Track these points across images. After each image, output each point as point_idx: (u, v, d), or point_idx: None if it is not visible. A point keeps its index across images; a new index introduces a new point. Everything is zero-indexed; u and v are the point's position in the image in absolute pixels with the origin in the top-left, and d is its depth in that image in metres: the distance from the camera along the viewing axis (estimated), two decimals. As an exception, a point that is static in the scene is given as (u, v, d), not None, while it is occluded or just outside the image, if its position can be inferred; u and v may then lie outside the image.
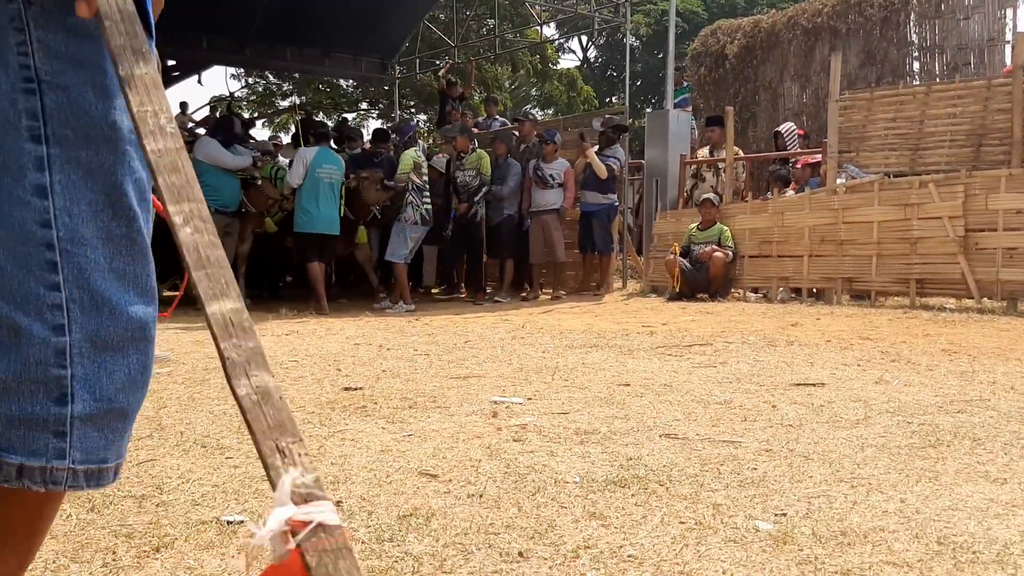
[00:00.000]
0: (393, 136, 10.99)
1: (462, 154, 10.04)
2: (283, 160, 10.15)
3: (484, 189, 10.11)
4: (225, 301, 0.85)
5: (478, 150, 10.19)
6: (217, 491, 2.40)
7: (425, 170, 9.55)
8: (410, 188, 9.31)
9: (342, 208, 9.31)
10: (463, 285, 11.07)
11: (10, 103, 1.01)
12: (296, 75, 20.68)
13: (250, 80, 23.72)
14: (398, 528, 2.07)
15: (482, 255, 10.49)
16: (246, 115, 20.40)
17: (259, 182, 9.38)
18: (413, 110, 23.42)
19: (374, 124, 25.40)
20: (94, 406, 1.07)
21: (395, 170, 9.44)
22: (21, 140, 1.02)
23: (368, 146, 10.90)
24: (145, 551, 1.94)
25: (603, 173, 9.90)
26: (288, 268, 11.39)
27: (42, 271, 1.03)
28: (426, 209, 9.44)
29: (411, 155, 9.45)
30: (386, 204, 9.59)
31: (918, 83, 11.08)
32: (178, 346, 5.73)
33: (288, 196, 9.16)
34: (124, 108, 1.10)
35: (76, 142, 1.04)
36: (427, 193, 9.49)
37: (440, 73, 14.29)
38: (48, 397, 1.04)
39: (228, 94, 22.25)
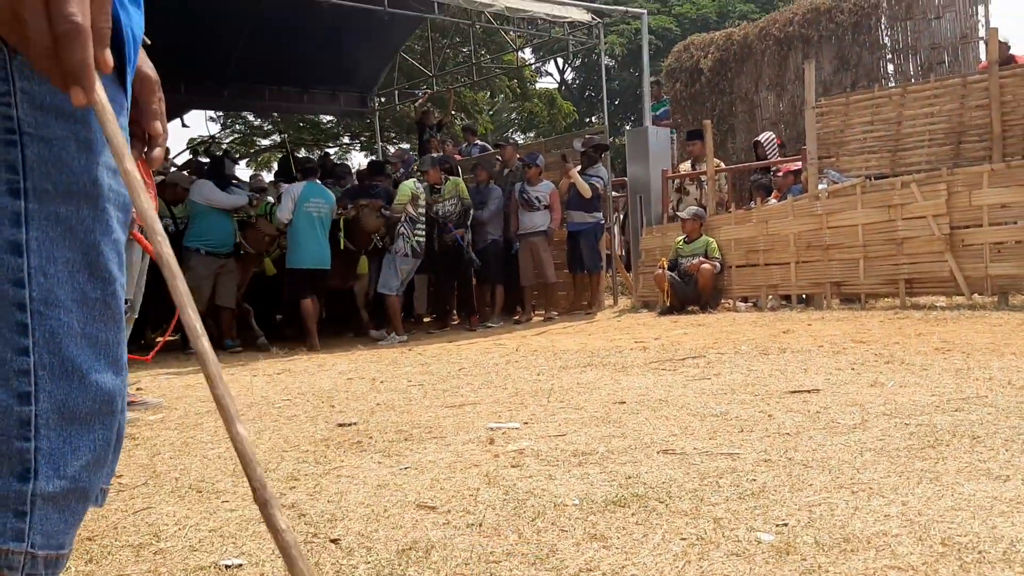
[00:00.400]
0: (389, 168, 10.94)
1: (436, 186, 9.91)
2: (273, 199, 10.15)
3: (469, 213, 10.04)
4: (241, 426, 0.86)
5: (452, 178, 10.05)
6: (214, 535, 2.37)
7: (422, 201, 9.53)
8: (403, 219, 9.27)
9: (342, 241, 9.26)
10: (456, 312, 11.01)
11: None
12: (275, 114, 20.73)
13: (230, 121, 23.77)
14: (398, 563, 2.04)
15: (472, 280, 10.45)
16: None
17: (254, 220, 9.35)
18: (395, 140, 23.50)
19: (357, 157, 25.47)
20: (58, 484, 0.99)
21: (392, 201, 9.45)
22: None
23: (358, 180, 10.88)
24: (142, 602, 1.91)
25: (587, 193, 9.94)
26: (277, 307, 11.34)
27: (11, 333, 0.97)
28: (417, 241, 9.37)
29: (409, 186, 9.42)
30: (385, 235, 9.55)
31: (893, 85, 11.16)
32: (170, 391, 5.69)
33: (284, 232, 9.13)
34: (107, 165, 1.07)
35: (56, 197, 0.99)
36: (420, 225, 9.44)
37: (417, 104, 14.36)
38: (9, 471, 0.96)
39: (209, 136, 22.30)
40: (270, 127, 23.87)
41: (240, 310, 9.48)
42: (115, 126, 0.93)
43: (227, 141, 24.34)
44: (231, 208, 9.07)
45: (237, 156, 22.09)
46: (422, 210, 9.49)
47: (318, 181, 9.39)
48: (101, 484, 1.07)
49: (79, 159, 1.00)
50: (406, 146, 11.68)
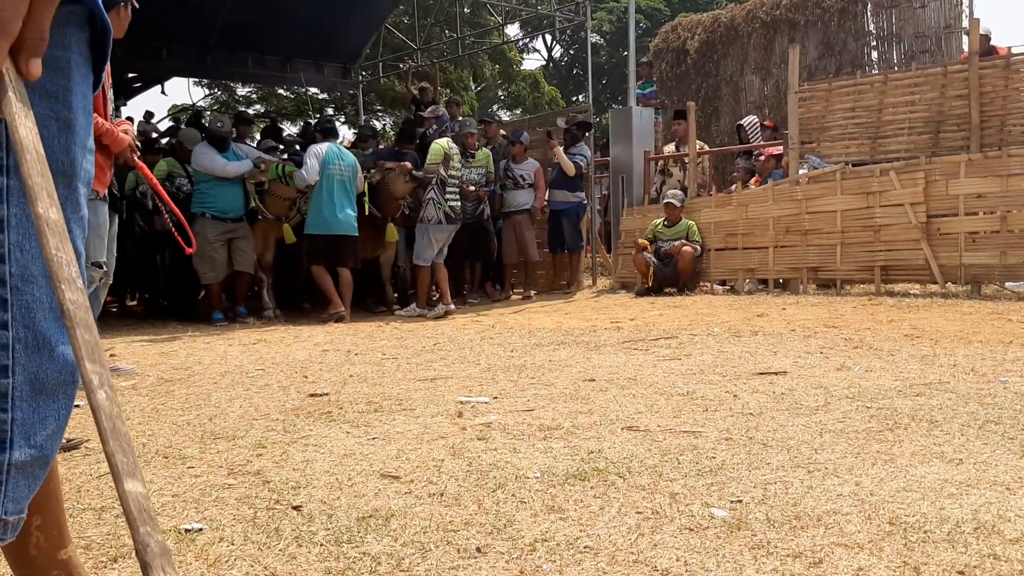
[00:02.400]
0: (421, 130, 10.21)
1: (471, 151, 9.47)
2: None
3: (491, 188, 9.89)
4: (134, 482, 0.85)
5: (484, 148, 9.81)
6: (177, 500, 2.39)
7: (456, 163, 8.91)
8: (434, 184, 8.72)
9: (367, 206, 8.82)
10: (473, 285, 10.52)
11: None
12: (259, 84, 20.58)
13: (215, 89, 23.57)
14: (357, 529, 2.07)
15: (492, 255, 10.23)
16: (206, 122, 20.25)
17: (267, 186, 8.85)
18: (380, 114, 23.38)
19: (340, 130, 25.27)
20: (28, 453, 1.02)
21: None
22: None
23: (383, 146, 10.33)
24: (102, 562, 1.93)
25: (571, 171, 9.93)
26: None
27: None
28: (451, 206, 8.82)
29: (443, 144, 8.85)
30: (410, 205, 9.13)
31: (876, 72, 11.19)
32: (144, 358, 5.69)
33: (303, 195, 8.72)
34: (83, 146, 1.08)
35: None
36: (452, 189, 8.86)
37: (405, 69, 14.20)
38: None
39: (191, 103, 22.10)
40: (253, 96, 23.69)
41: (255, 279, 9.15)
42: (27, 153, 0.91)
43: (209, 110, 24.17)
44: (233, 176, 8.60)
45: (252, 114, 21.93)
46: (455, 172, 8.93)
47: (339, 143, 8.93)
48: (53, 457, 1.09)
49: (59, 139, 1.01)
50: (441, 108, 11.10)
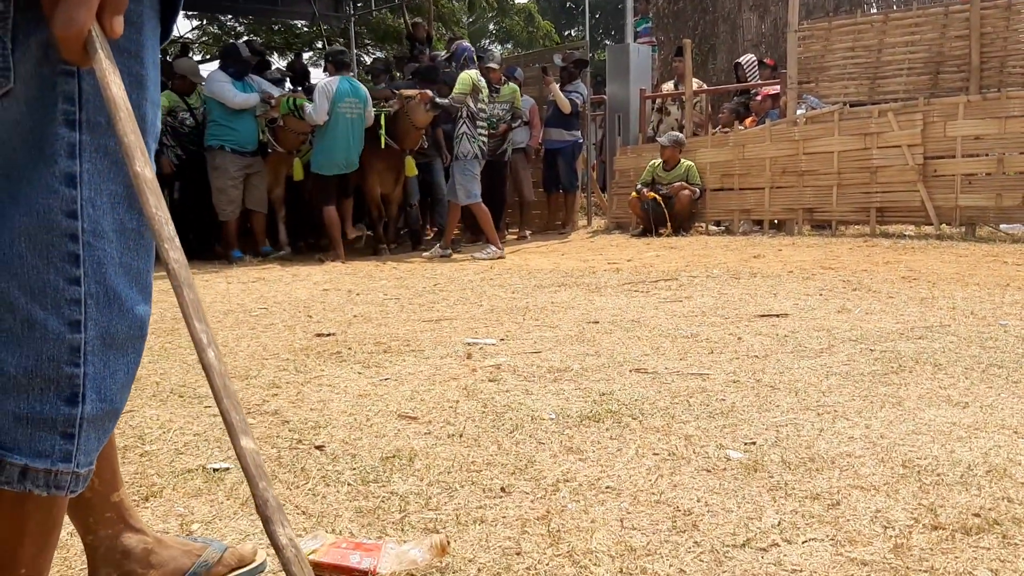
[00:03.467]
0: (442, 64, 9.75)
1: (496, 86, 9.17)
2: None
3: (516, 124, 9.65)
4: (247, 439, 0.86)
5: (510, 83, 9.55)
6: (199, 440, 2.43)
7: (483, 96, 8.46)
8: (464, 117, 8.28)
9: (383, 138, 8.49)
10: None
11: (50, 86, 0.98)
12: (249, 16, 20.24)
13: (203, 21, 23.18)
14: (382, 469, 2.12)
15: (505, 195, 10.04)
16: (197, 57, 19.97)
17: (280, 121, 8.53)
18: (371, 49, 23.05)
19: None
20: (99, 407, 1.04)
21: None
22: (56, 125, 0.98)
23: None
24: (134, 500, 1.97)
25: (567, 108, 9.86)
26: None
27: (63, 263, 0.99)
28: (482, 141, 8.42)
29: (472, 75, 8.30)
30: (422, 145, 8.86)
31: (876, 12, 11.09)
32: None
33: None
34: (153, 102, 1.09)
35: (107, 130, 1.00)
36: (481, 124, 8.41)
37: (399, 3, 13.93)
38: (59, 396, 1.00)
39: (179, 35, 21.73)
40: (242, 29, 23.32)
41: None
42: (120, 111, 0.91)
43: (198, 43, 23.78)
44: (241, 107, 8.28)
45: (207, 58, 21.61)
46: (482, 107, 8.47)
47: (352, 76, 8.57)
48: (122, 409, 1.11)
49: (131, 95, 1.00)
50: (465, 42, 10.72)
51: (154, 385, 3.14)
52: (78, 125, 0.99)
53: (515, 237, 10.26)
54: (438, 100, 8.28)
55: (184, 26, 22.83)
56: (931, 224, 8.02)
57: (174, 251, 0.88)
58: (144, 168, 0.90)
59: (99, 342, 1.03)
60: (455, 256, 8.42)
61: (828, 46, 8.98)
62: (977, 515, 1.76)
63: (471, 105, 8.24)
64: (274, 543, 0.83)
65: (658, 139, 9.73)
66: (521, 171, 10.13)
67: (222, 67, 8.60)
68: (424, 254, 8.63)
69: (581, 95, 10.11)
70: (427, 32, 12.28)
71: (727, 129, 9.76)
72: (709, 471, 2.06)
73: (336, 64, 8.48)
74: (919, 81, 8.45)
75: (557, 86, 9.91)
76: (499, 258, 8.14)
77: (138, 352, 1.10)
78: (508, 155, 9.73)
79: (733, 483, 1.98)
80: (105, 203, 1.02)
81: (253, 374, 3.28)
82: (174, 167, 8.62)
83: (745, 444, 2.26)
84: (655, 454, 2.20)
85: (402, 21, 13.21)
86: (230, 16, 21.53)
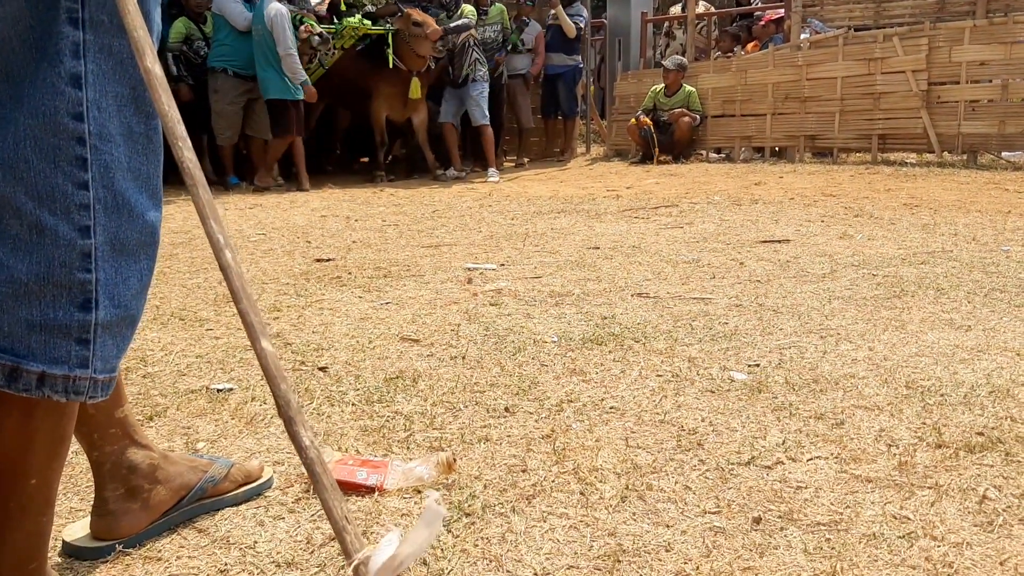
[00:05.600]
0: None
1: (483, 8, 9.20)
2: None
3: (508, 43, 9.53)
4: (266, 341, 0.83)
5: (498, 3, 9.44)
6: (201, 361, 2.42)
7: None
8: (472, 45, 8.48)
9: (391, 58, 8.27)
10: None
11: None
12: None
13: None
14: (386, 390, 2.11)
15: (502, 119, 9.85)
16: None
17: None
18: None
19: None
20: (113, 313, 1.02)
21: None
22: (59, 23, 0.94)
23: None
24: (139, 420, 1.97)
25: (571, 32, 9.68)
26: (335, 143, 10.51)
27: (71, 167, 0.96)
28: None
29: (471, 6, 8.71)
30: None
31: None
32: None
33: (320, 48, 8.06)
34: (156, 0, 1.05)
35: (110, 29, 0.97)
36: (480, 48, 8.76)
37: None
38: (72, 302, 0.99)
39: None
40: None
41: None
42: (128, 4, 0.88)
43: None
44: (246, 29, 7.83)
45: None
46: (484, 29, 8.87)
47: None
48: (141, 315, 1.10)
49: None
50: None
51: (154, 308, 3.13)
52: (81, 24, 0.95)
53: (512, 164, 10.16)
54: (449, 34, 8.18)
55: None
56: (933, 152, 7.96)
57: (187, 150, 0.86)
58: (154, 64, 0.87)
59: (109, 248, 1.01)
60: (452, 184, 8.35)
61: (833, -32, 8.81)
62: (980, 434, 1.77)
63: (475, 33, 8.34)
64: (296, 443, 0.83)
65: (663, 63, 9.59)
66: (520, 97, 9.98)
67: None
68: (441, 174, 8.71)
69: (583, 18, 9.92)
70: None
71: (730, 54, 9.61)
72: (713, 392, 2.06)
73: None
74: (925, 5, 8.32)
75: (562, 7, 9.72)
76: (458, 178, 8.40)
77: (151, 258, 1.08)
78: (504, 78, 9.59)
79: (737, 403, 1.98)
80: (111, 105, 0.99)
81: (254, 298, 3.26)
82: (192, 96, 8.41)
83: (749, 366, 2.26)
84: (659, 376, 2.20)
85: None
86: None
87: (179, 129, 0.86)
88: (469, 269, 3.75)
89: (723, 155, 9.45)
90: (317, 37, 7.99)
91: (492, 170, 8.68)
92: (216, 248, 0.85)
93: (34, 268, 0.96)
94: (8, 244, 0.95)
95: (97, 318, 1.00)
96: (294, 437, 0.83)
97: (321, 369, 2.30)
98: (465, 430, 1.85)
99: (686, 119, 9.10)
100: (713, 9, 10.86)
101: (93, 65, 0.97)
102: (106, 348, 1.02)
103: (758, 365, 2.26)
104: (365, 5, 9.92)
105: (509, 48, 9.56)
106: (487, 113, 8.64)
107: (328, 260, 4.09)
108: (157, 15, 1.06)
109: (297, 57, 7.59)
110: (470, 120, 9.00)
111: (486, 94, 8.68)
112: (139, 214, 1.03)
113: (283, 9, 7.55)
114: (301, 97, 7.79)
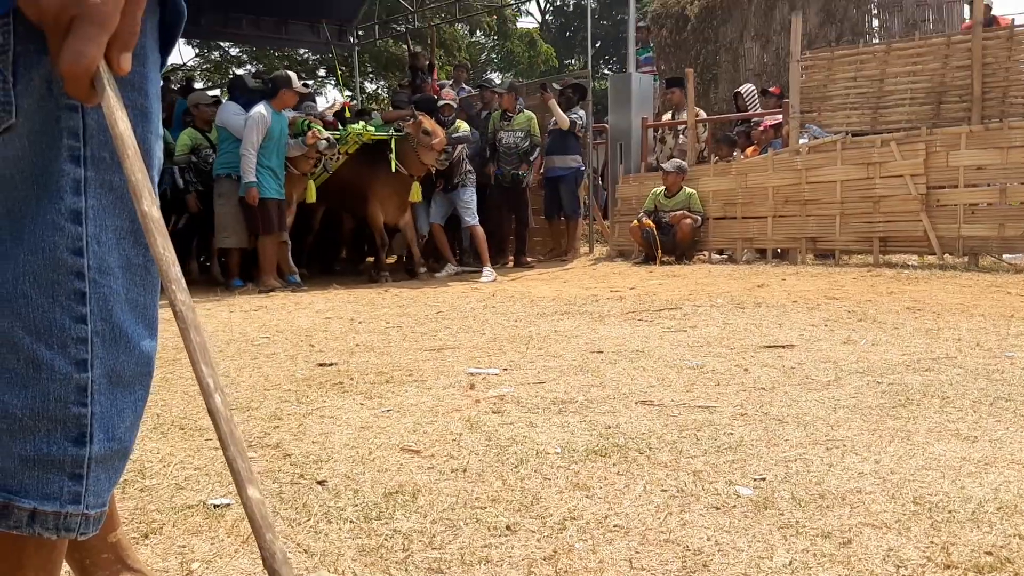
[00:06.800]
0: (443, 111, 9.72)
1: (508, 114, 9.70)
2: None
3: (536, 151, 9.90)
4: (254, 488, 0.84)
5: (526, 111, 9.85)
6: (200, 474, 2.39)
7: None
8: (465, 155, 9.11)
9: (393, 163, 8.53)
10: (512, 254, 10.33)
11: (54, 121, 0.96)
12: (252, 47, 20.39)
13: (205, 50, 23.35)
14: (385, 506, 2.08)
15: (527, 219, 10.22)
16: (199, 85, 20.06)
17: (292, 142, 8.39)
18: (372, 77, 23.19)
19: (332, 92, 25.13)
20: (107, 447, 1.01)
21: None
22: (60, 161, 0.96)
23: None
24: (133, 537, 1.93)
25: (565, 123, 9.87)
26: (341, 244, 10.76)
27: (69, 301, 0.97)
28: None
29: (464, 124, 9.40)
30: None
31: (878, 42, 11.14)
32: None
33: (327, 152, 8.37)
34: (156, 133, 1.07)
35: (111, 165, 0.99)
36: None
37: (403, 33, 14.01)
38: (66, 437, 0.98)
39: (182, 63, 21.88)
40: (244, 57, 23.47)
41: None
42: (128, 149, 0.89)
43: (199, 70, 23.94)
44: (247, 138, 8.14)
45: (210, 85, 21.69)
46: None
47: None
48: (132, 447, 1.09)
49: (136, 128, 0.98)
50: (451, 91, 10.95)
51: (155, 417, 3.11)
52: (83, 161, 0.97)
53: (510, 264, 10.19)
54: (449, 144, 8.64)
55: (186, 54, 22.99)
56: (934, 254, 8.01)
57: (181, 292, 0.86)
58: (151, 208, 0.88)
59: (106, 380, 1.00)
60: (455, 283, 8.40)
61: (831, 75, 9.01)
62: (989, 553, 1.73)
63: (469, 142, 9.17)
64: None
65: (662, 166, 9.73)
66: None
67: (231, 98, 8.80)
68: (437, 275, 9.09)
69: (581, 117, 10.12)
70: (428, 60, 12.33)
71: (729, 159, 9.77)
72: (718, 508, 2.03)
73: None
74: (921, 111, 8.47)
75: (555, 102, 9.95)
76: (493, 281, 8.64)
77: (145, 388, 1.07)
78: (527, 180, 9.98)
79: (743, 521, 1.95)
80: (111, 239, 1.00)
81: (255, 406, 3.25)
82: (199, 206, 8.73)
83: (754, 480, 2.23)
84: (663, 491, 2.16)
85: (405, 49, 13.31)
86: (230, 43, 21.68)
87: (172, 272, 0.87)
88: (472, 374, 3.74)
89: (726, 256, 9.52)
90: (324, 142, 8.22)
91: (487, 269, 8.97)
92: (206, 392, 0.85)
93: (29, 403, 0.95)
94: (4, 378, 0.95)
95: (91, 452, 0.99)
96: None
97: (320, 483, 2.27)
98: (465, 550, 1.81)
99: (688, 221, 9.19)
100: (704, 115, 11.07)
101: (94, 200, 0.98)
102: (99, 482, 1.01)
103: (764, 479, 2.23)
104: (371, 113, 10.22)
105: (535, 155, 9.92)
106: (476, 214, 9.25)
107: (331, 365, 4.08)
108: (159, 149, 1.08)
109: (250, 158, 7.92)
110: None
111: (475, 198, 9.28)
112: (135, 344, 1.03)
113: (262, 113, 7.97)
114: (271, 196, 8.08)
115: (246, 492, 0.82)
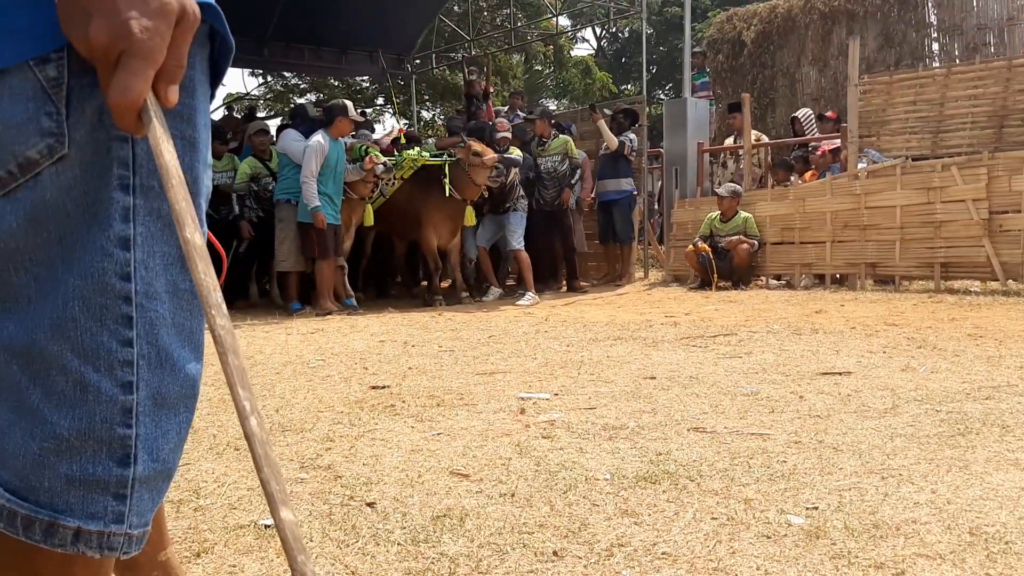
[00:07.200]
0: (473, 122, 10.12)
1: (543, 139, 9.85)
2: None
3: (578, 173, 9.99)
4: (287, 510, 0.85)
5: (561, 135, 9.93)
6: (253, 494, 2.43)
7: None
8: (519, 179, 9.23)
9: (447, 187, 8.67)
10: (564, 279, 10.37)
11: (105, 151, 0.98)
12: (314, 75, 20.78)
13: (268, 79, 23.84)
14: (432, 529, 2.09)
15: (573, 244, 10.24)
16: (262, 113, 20.49)
17: (351, 167, 8.55)
18: (429, 104, 23.44)
19: (390, 120, 25.46)
20: (151, 468, 1.03)
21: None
22: (111, 189, 0.98)
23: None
24: (185, 556, 1.97)
25: (613, 143, 9.90)
26: (395, 268, 10.91)
27: (117, 325, 0.99)
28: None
29: (516, 149, 9.45)
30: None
31: (938, 65, 10.99)
32: (206, 347, 5.77)
33: (383, 176, 8.61)
34: (205, 163, 1.09)
35: (159, 194, 1.01)
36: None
37: (460, 61, 14.18)
38: (111, 457, 1.00)
39: (245, 92, 22.35)
40: (305, 86, 23.91)
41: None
42: (172, 178, 0.92)
43: (262, 99, 24.43)
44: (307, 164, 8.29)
45: (272, 114, 22.13)
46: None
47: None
48: (176, 468, 1.11)
49: (184, 157, 1.01)
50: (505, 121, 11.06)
51: (211, 438, 3.17)
52: (132, 189, 0.99)
53: (563, 288, 10.20)
54: (499, 165, 8.65)
55: (250, 83, 23.51)
56: (997, 280, 7.83)
57: (220, 317, 0.89)
58: (194, 235, 0.91)
59: (151, 402, 1.02)
60: (509, 307, 8.42)
61: (889, 100, 8.90)
62: (1053, 590, 1.68)
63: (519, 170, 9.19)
64: None
65: (717, 191, 9.68)
66: (574, 223, 10.20)
67: (292, 125, 8.96)
68: (484, 299, 9.20)
69: (632, 141, 10.11)
70: (484, 88, 12.44)
71: (786, 183, 9.68)
72: (769, 537, 2.00)
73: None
74: (983, 135, 8.32)
75: (604, 122, 9.98)
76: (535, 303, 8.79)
77: (190, 411, 1.10)
78: (571, 205, 10.03)
79: (794, 550, 1.92)
80: (158, 264, 1.03)
81: (308, 427, 3.29)
82: (252, 233, 8.98)
83: (807, 509, 2.19)
84: (713, 518, 2.14)
85: (461, 77, 13.48)
86: (293, 73, 22.09)
87: (213, 298, 0.89)
88: (522, 399, 3.74)
89: (783, 282, 9.41)
90: (381, 166, 8.36)
91: (529, 294, 9.09)
92: (242, 415, 0.86)
93: (76, 424, 0.98)
94: (53, 400, 0.97)
95: (135, 473, 1.01)
96: None
97: (369, 505, 2.29)
98: (511, 575, 1.81)
99: (744, 246, 9.11)
100: (766, 139, 10.99)
101: (142, 228, 1.00)
102: (142, 503, 1.03)
103: (816, 508, 2.20)
104: (425, 140, 10.41)
105: (576, 178, 9.94)
106: (522, 239, 9.33)
107: (383, 387, 4.11)
108: (207, 178, 1.11)
109: (311, 184, 8.09)
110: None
111: (523, 223, 9.37)
112: (180, 368, 1.06)
113: (320, 141, 8.14)
114: (327, 221, 8.24)
115: (279, 513, 0.84)
